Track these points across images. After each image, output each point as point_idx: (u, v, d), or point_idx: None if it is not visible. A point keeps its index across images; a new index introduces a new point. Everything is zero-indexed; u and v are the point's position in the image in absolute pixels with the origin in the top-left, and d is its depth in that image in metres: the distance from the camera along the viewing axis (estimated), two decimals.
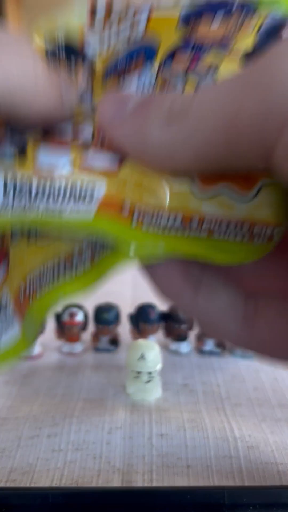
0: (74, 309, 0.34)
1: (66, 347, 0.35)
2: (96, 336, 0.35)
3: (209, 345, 0.34)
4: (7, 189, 0.13)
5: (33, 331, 0.17)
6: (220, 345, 0.34)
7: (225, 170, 0.11)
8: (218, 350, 0.34)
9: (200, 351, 0.35)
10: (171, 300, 0.14)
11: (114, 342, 0.35)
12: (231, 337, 0.15)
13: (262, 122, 0.09)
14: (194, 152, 0.10)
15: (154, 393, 0.29)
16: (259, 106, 0.09)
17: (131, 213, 0.13)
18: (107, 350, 0.35)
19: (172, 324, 0.34)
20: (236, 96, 0.09)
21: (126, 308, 0.38)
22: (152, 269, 0.14)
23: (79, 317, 0.34)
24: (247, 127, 0.09)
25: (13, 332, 0.17)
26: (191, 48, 0.14)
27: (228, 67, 0.14)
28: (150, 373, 0.28)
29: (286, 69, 0.09)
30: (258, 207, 0.13)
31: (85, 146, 0.13)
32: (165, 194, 0.12)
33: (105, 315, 0.34)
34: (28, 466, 0.24)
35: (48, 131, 0.14)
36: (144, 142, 0.11)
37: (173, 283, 0.14)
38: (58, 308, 0.35)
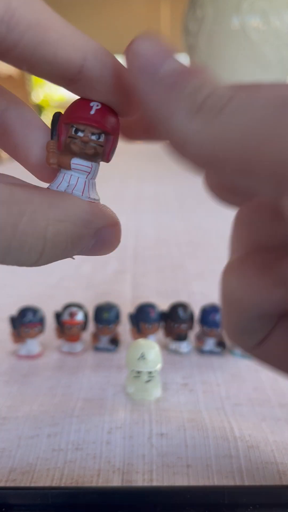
0: (74, 309, 0.34)
1: (66, 346, 0.35)
2: (96, 336, 0.35)
3: (209, 344, 0.34)
4: None
5: None
6: (220, 344, 0.34)
7: (233, 182, 0.10)
8: (218, 349, 0.34)
9: (200, 350, 0.35)
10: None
11: (114, 341, 0.35)
12: None
13: (282, 165, 0.09)
14: (210, 152, 0.10)
15: (154, 392, 0.29)
16: (284, 148, 0.08)
17: None
18: (107, 350, 0.35)
19: (172, 324, 0.34)
20: (271, 121, 0.09)
21: (126, 308, 0.38)
22: None
23: (79, 317, 0.34)
24: (267, 163, 0.09)
25: None
26: None
27: None
28: (150, 372, 0.28)
29: None
30: None
31: None
32: None
33: (105, 315, 0.34)
34: (28, 466, 0.24)
35: None
36: (167, 119, 0.10)
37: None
38: (58, 307, 0.35)
